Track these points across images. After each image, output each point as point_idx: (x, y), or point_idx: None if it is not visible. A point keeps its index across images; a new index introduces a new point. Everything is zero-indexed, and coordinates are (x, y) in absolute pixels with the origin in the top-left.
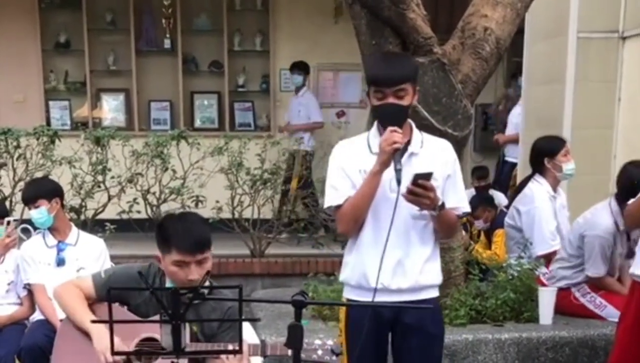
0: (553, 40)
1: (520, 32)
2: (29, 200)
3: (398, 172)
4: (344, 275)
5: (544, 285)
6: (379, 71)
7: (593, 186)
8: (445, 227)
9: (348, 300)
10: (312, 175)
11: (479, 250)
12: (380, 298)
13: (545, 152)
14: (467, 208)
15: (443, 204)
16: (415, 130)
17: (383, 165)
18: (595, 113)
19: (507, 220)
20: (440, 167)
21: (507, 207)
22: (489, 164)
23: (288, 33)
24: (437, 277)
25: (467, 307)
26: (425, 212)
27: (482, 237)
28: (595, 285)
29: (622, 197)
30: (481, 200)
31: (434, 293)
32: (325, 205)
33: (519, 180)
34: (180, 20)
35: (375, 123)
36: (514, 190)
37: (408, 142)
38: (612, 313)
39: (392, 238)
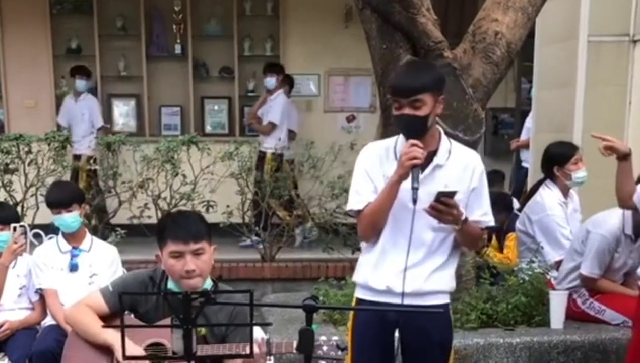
0: (564, 44)
1: (530, 35)
2: (63, 203)
3: (414, 190)
4: (356, 275)
5: (554, 289)
6: (396, 81)
7: (604, 189)
8: (467, 240)
9: (357, 299)
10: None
11: (490, 255)
12: (386, 299)
13: (555, 161)
14: (491, 222)
15: (466, 219)
16: (444, 140)
17: (400, 178)
18: (606, 116)
19: (518, 225)
20: (466, 179)
21: (520, 210)
22: (501, 169)
23: (298, 38)
24: (445, 284)
25: (478, 311)
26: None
27: (494, 240)
28: (591, 288)
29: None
30: (498, 202)
31: (442, 299)
32: (347, 208)
33: (529, 185)
34: (190, 25)
35: None
36: (525, 195)
37: (434, 153)
38: (613, 316)
39: (404, 246)
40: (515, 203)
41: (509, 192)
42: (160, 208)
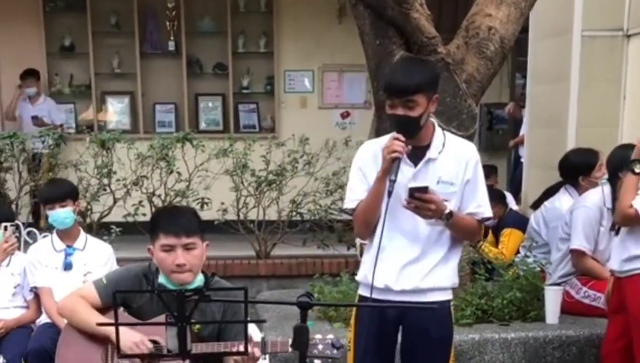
0: (557, 39)
1: (524, 30)
2: (57, 198)
3: (391, 183)
4: (358, 273)
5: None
6: (390, 79)
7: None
8: (462, 233)
9: (360, 296)
10: None
11: (485, 250)
12: (385, 297)
13: (581, 170)
14: (488, 213)
15: (451, 213)
16: (438, 133)
17: (385, 172)
18: (600, 111)
19: (532, 223)
20: (460, 172)
21: (535, 206)
22: (496, 164)
23: (292, 34)
24: (445, 280)
25: (473, 307)
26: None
27: (490, 235)
28: (580, 271)
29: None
30: (491, 196)
31: (442, 296)
32: (344, 206)
33: (524, 181)
34: (184, 22)
35: None
36: (545, 191)
37: (427, 147)
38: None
39: (401, 242)
40: (512, 200)
41: (500, 189)
42: (155, 206)
